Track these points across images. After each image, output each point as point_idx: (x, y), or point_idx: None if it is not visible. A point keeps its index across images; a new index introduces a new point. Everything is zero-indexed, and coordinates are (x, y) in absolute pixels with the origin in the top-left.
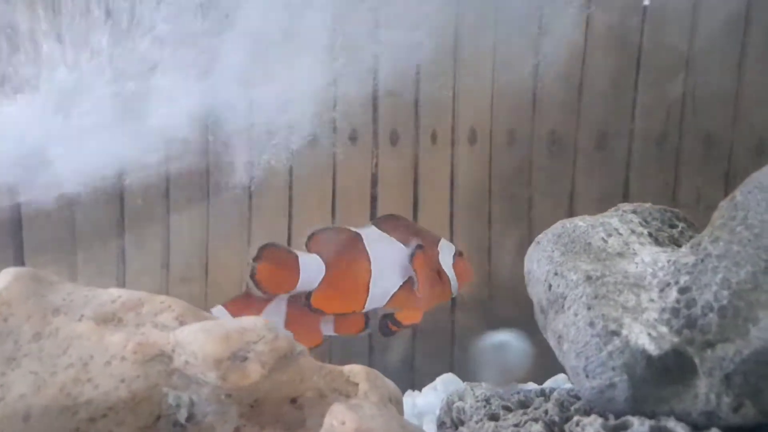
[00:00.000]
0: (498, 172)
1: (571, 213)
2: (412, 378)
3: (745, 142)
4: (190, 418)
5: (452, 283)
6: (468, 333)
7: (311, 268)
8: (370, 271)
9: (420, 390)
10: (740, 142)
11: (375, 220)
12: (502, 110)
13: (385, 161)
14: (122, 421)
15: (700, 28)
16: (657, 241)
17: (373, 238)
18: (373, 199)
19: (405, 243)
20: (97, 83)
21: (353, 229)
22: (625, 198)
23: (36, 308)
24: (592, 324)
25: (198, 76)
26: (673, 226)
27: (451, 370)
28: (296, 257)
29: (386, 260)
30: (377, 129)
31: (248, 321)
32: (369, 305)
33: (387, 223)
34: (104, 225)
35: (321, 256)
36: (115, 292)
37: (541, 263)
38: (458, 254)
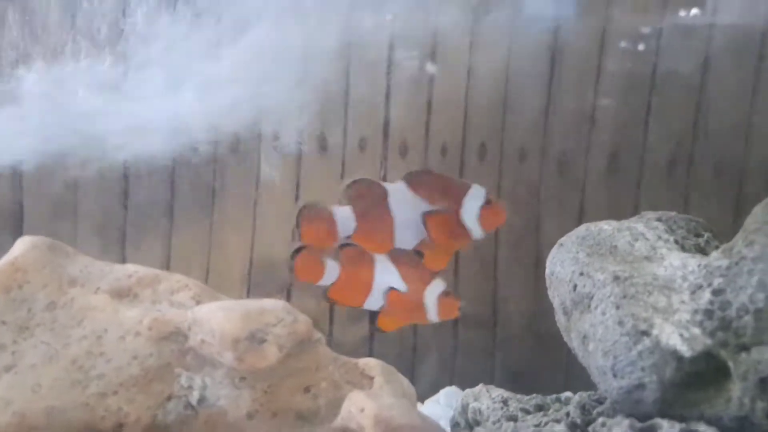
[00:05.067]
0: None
1: None
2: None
3: (756, 169)
4: (202, 400)
5: (474, 233)
6: (471, 348)
7: (346, 218)
8: (393, 227)
9: (422, 402)
10: (751, 168)
11: (406, 175)
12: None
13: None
14: (132, 399)
15: (713, 54)
16: (683, 248)
17: (398, 195)
18: None
19: (430, 201)
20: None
21: (384, 184)
22: None
23: (52, 277)
24: (621, 323)
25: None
26: (698, 236)
27: (451, 383)
28: (330, 212)
29: (406, 218)
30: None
31: (268, 302)
32: None
33: (416, 179)
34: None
35: (354, 208)
36: (131, 267)
37: (566, 264)
38: (487, 202)
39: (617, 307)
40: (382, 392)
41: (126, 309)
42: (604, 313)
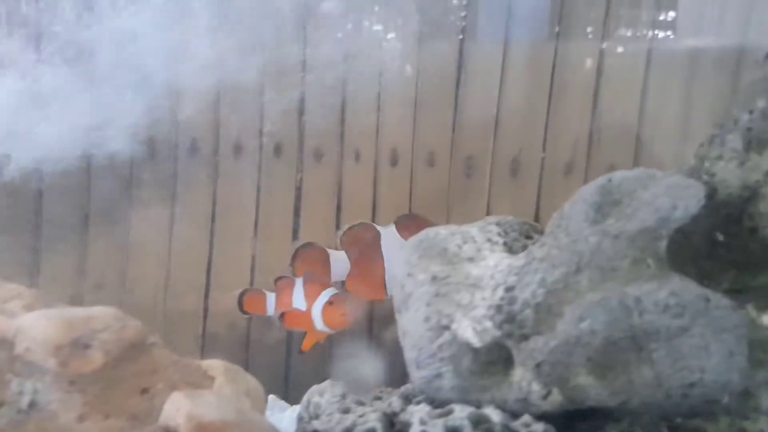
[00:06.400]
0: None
1: None
2: None
3: None
4: (33, 405)
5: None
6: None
7: (339, 263)
8: (384, 273)
9: None
10: None
11: (397, 218)
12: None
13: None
14: None
15: (608, 62)
16: (511, 250)
17: (388, 237)
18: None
19: None
20: None
21: (377, 227)
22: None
23: None
24: (427, 319)
25: None
26: (529, 237)
27: None
28: (327, 254)
29: (395, 259)
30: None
31: (96, 309)
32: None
33: (404, 223)
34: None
35: (348, 253)
36: None
37: (400, 266)
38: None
39: (427, 305)
40: (207, 392)
41: None
42: (417, 310)
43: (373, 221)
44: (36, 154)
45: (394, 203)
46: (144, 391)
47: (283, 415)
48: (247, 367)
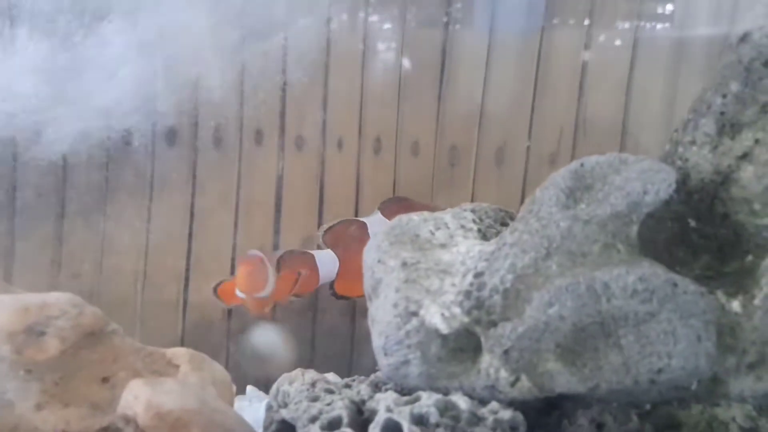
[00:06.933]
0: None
1: None
2: None
3: None
4: None
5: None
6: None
7: (327, 263)
8: None
9: None
10: None
11: (381, 204)
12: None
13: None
14: None
15: (593, 52)
16: (485, 237)
17: (376, 225)
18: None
19: None
20: None
21: (361, 219)
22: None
23: None
24: (395, 305)
25: None
26: (504, 224)
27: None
28: (313, 257)
29: None
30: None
31: (52, 296)
32: None
33: (389, 207)
34: None
35: (335, 251)
36: None
37: (371, 252)
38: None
39: (396, 291)
40: (170, 380)
41: None
42: (386, 297)
43: (356, 210)
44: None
45: (378, 192)
46: (105, 379)
47: (261, 405)
48: (227, 357)
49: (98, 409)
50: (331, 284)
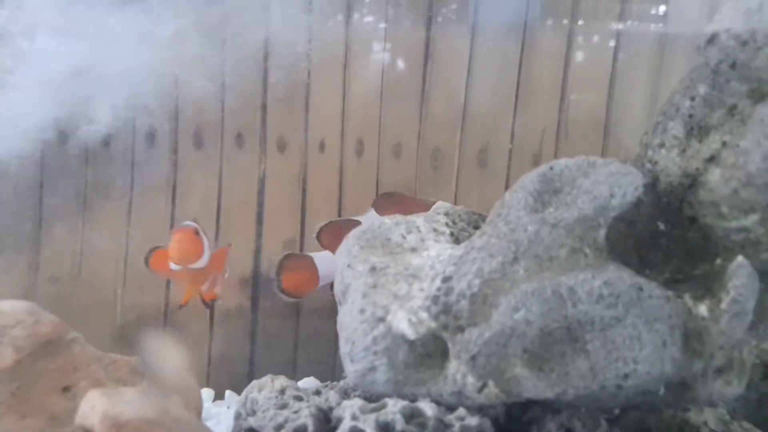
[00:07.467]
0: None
1: None
2: None
3: None
4: None
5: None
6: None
7: (326, 264)
8: None
9: None
10: None
11: (374, 201)
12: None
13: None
14: None
15: (576, 53)
16: (458, 240)
17: (370, 222)
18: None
19: None
20: None
21: (355, 218)
22: None
23: None
24: (362, 311)
25: None
26: (477, 228)
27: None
28: (311, 258)
29: None
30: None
31: (7, 304)
32: None
33: (381, 203)
34: None
35: (330, 250)
36: None
37: (341, 256)
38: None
39: (363, 296)
40: (129, 390)
41: None
42: (353, 302)
43: (339, 213)
44: None
45: (361, 194)
46: (65, 389)
47: None
48: (209, 360)
49: (58, 420)
50: (332, 285)
